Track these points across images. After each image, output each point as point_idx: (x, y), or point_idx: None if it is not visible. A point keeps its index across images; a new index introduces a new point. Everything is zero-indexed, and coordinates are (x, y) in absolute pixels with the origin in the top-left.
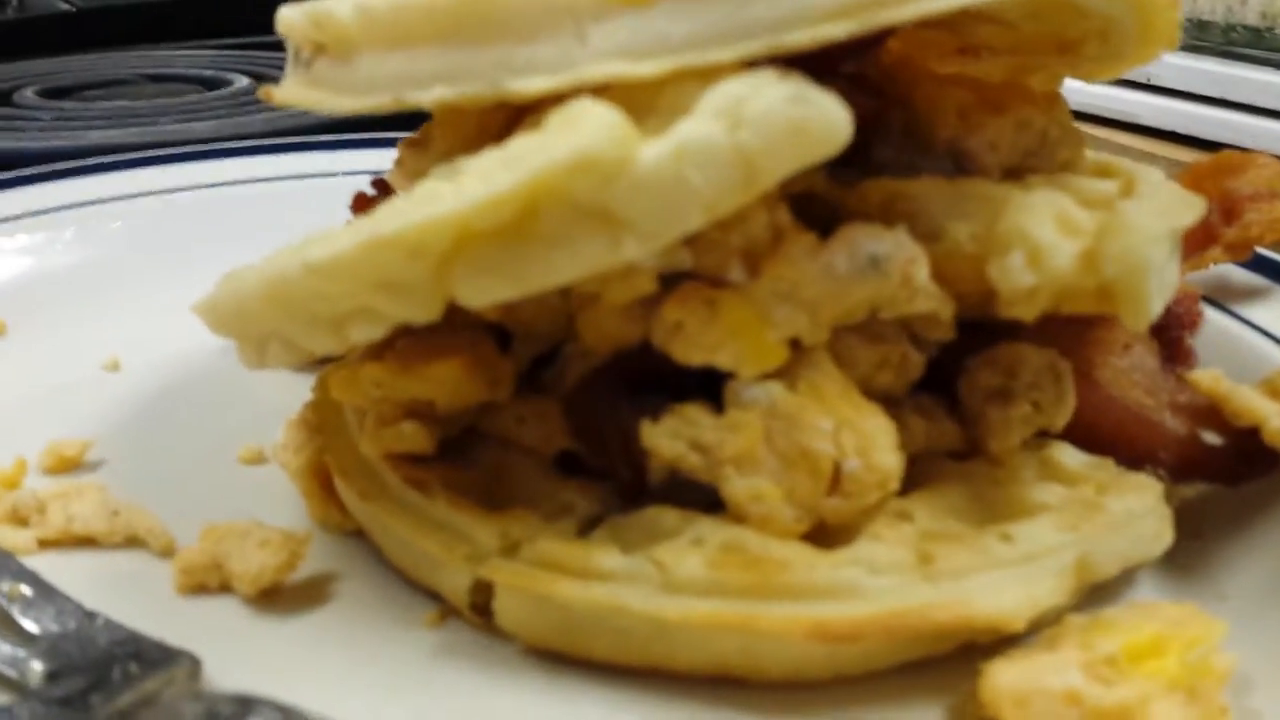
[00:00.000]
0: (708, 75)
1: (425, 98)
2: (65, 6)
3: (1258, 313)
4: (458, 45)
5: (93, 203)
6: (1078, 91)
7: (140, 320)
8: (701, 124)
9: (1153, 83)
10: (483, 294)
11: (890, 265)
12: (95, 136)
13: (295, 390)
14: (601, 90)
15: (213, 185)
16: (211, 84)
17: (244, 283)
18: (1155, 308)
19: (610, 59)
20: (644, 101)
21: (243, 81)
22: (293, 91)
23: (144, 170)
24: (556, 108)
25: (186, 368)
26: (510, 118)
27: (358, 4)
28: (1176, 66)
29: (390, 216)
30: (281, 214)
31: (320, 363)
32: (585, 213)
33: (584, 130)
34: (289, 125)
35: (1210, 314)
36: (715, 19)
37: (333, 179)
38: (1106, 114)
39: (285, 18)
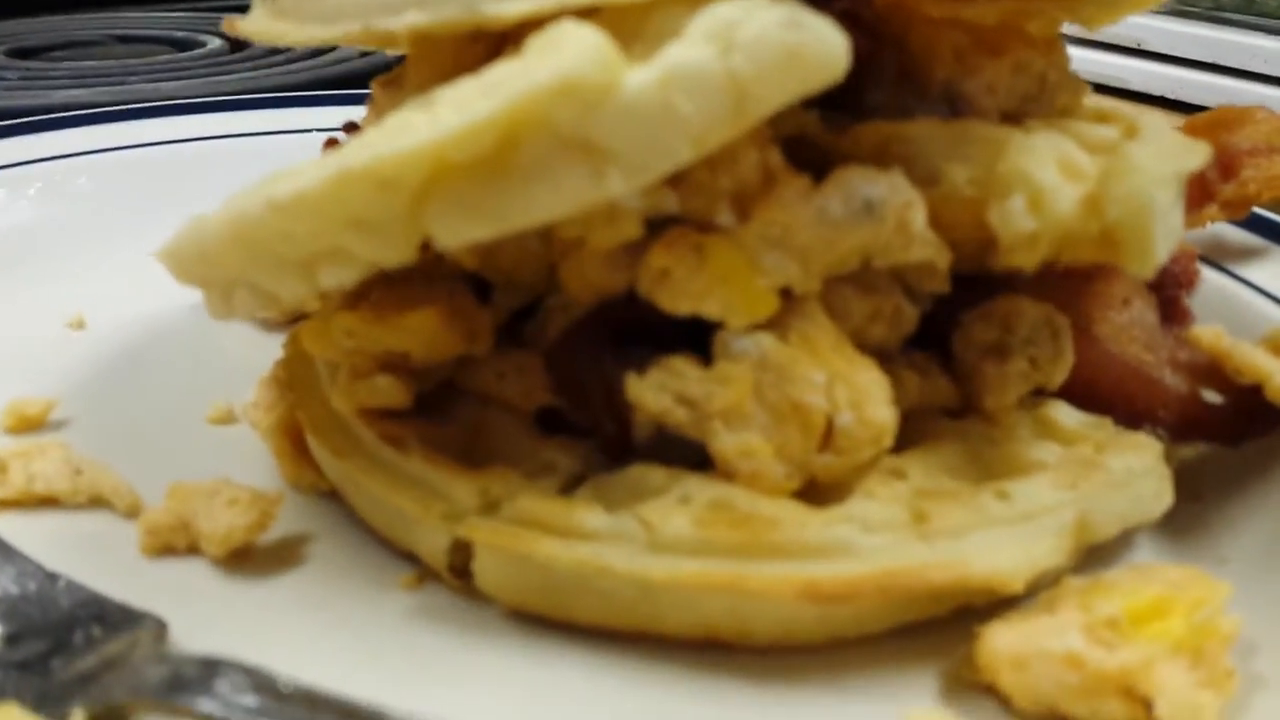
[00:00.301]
0: None
1: (396, 23)
2: None
3: (1255, 271)
4: None
5: (58, 158)
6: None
7: (106, 278)
8: (691, 49)
9: (1141, 48)
10: (459, 232)
11: (885, 209)
12: (60, 96)
13: (267, 349)
14: (586, 14)
15: (183, 140)
16: (183, 45)
17: (207, 225)
18: (1161, 253)
19: None
20: (631, 25)
21: (215, 43)
22: (259, 23)
23: (111, 125)
24: (538, 32)
25: (154, 326)
26: (489, 51)
27: None
28: (1165, 31)
29: (360, 149)
30: (254, 170)
31: (293, 320)
32: (567, 143)
33: (566, 54)
34: (263, 85)
35: (1207, 273)
36: None
37: (308, 135)
38: (1095, 79)
39: None
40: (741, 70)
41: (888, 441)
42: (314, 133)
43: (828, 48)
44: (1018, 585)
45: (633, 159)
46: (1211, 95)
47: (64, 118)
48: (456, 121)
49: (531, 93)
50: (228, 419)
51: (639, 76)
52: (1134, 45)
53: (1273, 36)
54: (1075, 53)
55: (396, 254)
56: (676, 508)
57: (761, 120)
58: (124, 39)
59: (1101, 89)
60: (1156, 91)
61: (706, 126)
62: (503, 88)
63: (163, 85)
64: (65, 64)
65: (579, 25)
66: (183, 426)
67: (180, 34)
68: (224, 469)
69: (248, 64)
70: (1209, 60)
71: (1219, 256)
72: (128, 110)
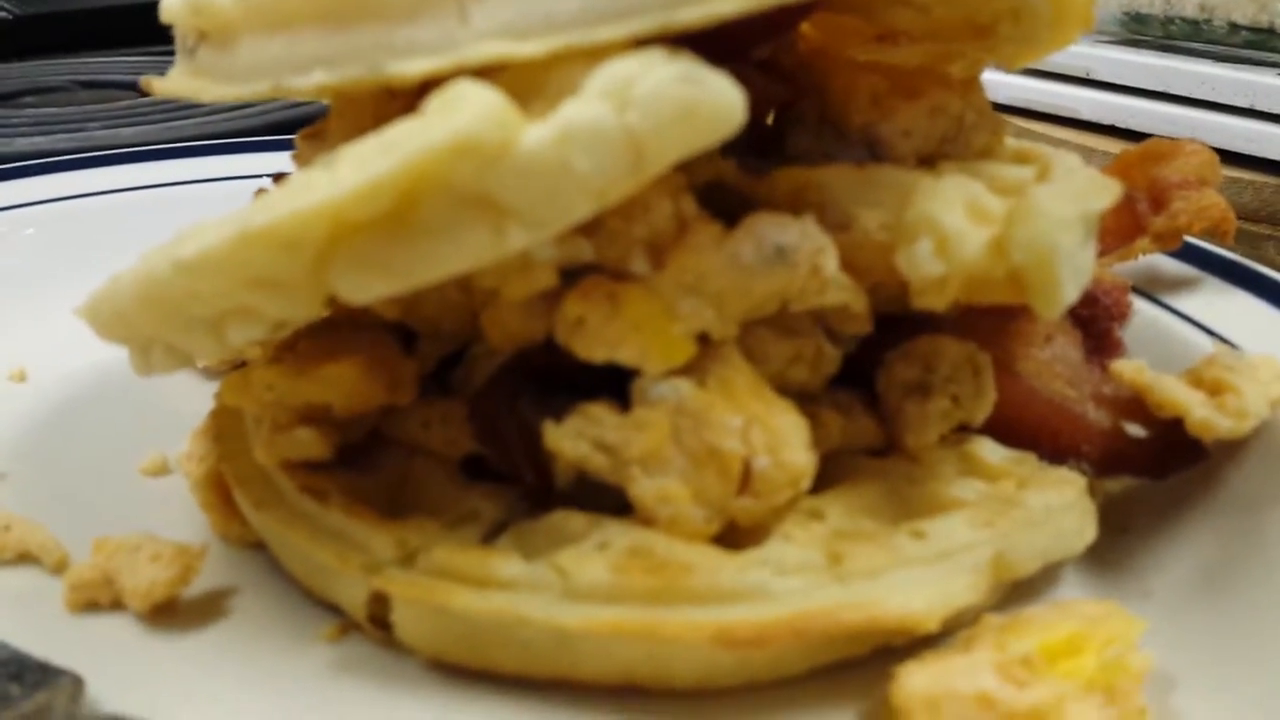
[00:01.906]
0: (595, 55)
1: (304, 83)
2: (2, 14)
3: (1187, 302)
4: (338, 27)
5: (4, 209)
6: (1017, 86)
7: (49, 330)
8: (587, 105)
9: (1091, 77)
10: (363, 289)
11: (797, 256)
12: (22, 144)
13: (206, 397)
14: (486, 72)
15: (131, 189)
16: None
17: (120, 285)
18: (1068, 294)
19: (493, 39)
20: (530, 83)
21: None
22: (175, 81)
23: (57, 175)
24: (436, 91)
25: (96, 376)
26: (407, 106)
27: None
28: (1115, 60)
29: (261, 208)
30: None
31: (234, 369)
32: (467, 200)
33: (463, 113)
34: (221, 130)
35: (1140, 305)
36: None
37: (254, 181)
38: (1045, 109)
39: (167, 5)
40: (637, 126)
41: (805, 484)
42: (261, 178)
43: (723, 102)
44: (932, 624)
45: (532, 215)
46: (1164, 124)
47: (12, 169)
48: (355, 180)
49: (428, 151)
50: (161, 470)
51: (535, 134)
52: (1083, 74)
53: (1222, 64)
54: (1025, 82)
55: (303, 311)
56: (593, 554)
57: (661, 173)
58: (87, 84)
59: (1051, 119)
60: (1108, 120)
61: (605, 182)
62: (400, 146)
63: (122, 131)
64: (28, 110)
65: (476, 84)
66: (117, 478)
67: (142, 78)
68: (155, 521)
69: (205, 109)
70: (1160, 89)
71: (1153, 288)
72: (71, 161)
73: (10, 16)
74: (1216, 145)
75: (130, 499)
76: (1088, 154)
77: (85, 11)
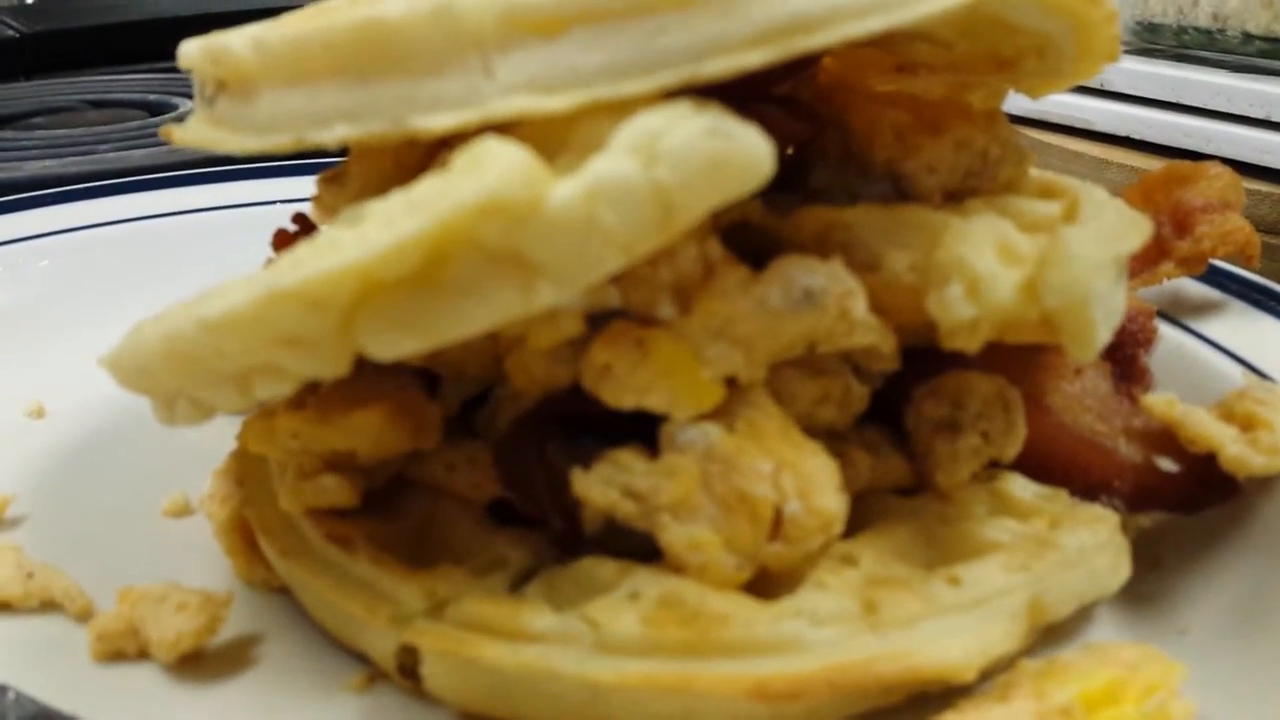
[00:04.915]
0: (622, 109)
1: (327, 137)
2: (10, 33)
3: (1213, 327)
4: (359, 81)
5: (18, 240)
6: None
7: (67, 363)
8: (615, 161)
9: (1105, 88)
10: (391, 347)
11: (826, 299)
12: (32, 167)
13: (229, 434)
14: (510, 126)
15: (143, 218)
16: (155, 109)
17: (144, 339)
18: (1102, 337)
19: (519, 93)
20: (555, 137)
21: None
22: (195, 131)
23: (72, 205)
24: (463, 147)
25: (114, 412)
26: (428, 152)
27: (255, 37)
28: (1129, 71)
29: (289, 268)
30: (214, 246)
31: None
32: (496, 258)
33: (490, 171)
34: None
35: (1165, 330)
36: (628, 48)
37: (269, 207)
38: (1060, 120)
39: (185, 52)
40: (666, 181)
41: (837, 529)
42: (276, 205)
43: (752, 155)
44: (969, 674)
45: (562, 271)
46: (1178, 135)
47: (23, 199)
48: (383, 240)
49: (457, 211)
50: (184, 510)
51: (563, 191)
52: (1097, 85)
53: (1236, 74)
54: None
55: (331, 369)
56: (625, 605)
57: (690, 226)
58: (97, 104)
59: (1066, 130)
60: (1122, 132)
61: (633, 237)
62: (428, 206)
63: (133, 153)
64: (38, 133)
65: (502, 142)
66: (139, 519)
67: (153, 97)
68: (178, 564)
69: None
70: (1174, 99)
71: (1178, 312)
72: (86, 190)
73: (18, 35)
74: (1232, 157)
75: (153, 541)
76: (1103, 165)
77: (94, 28)
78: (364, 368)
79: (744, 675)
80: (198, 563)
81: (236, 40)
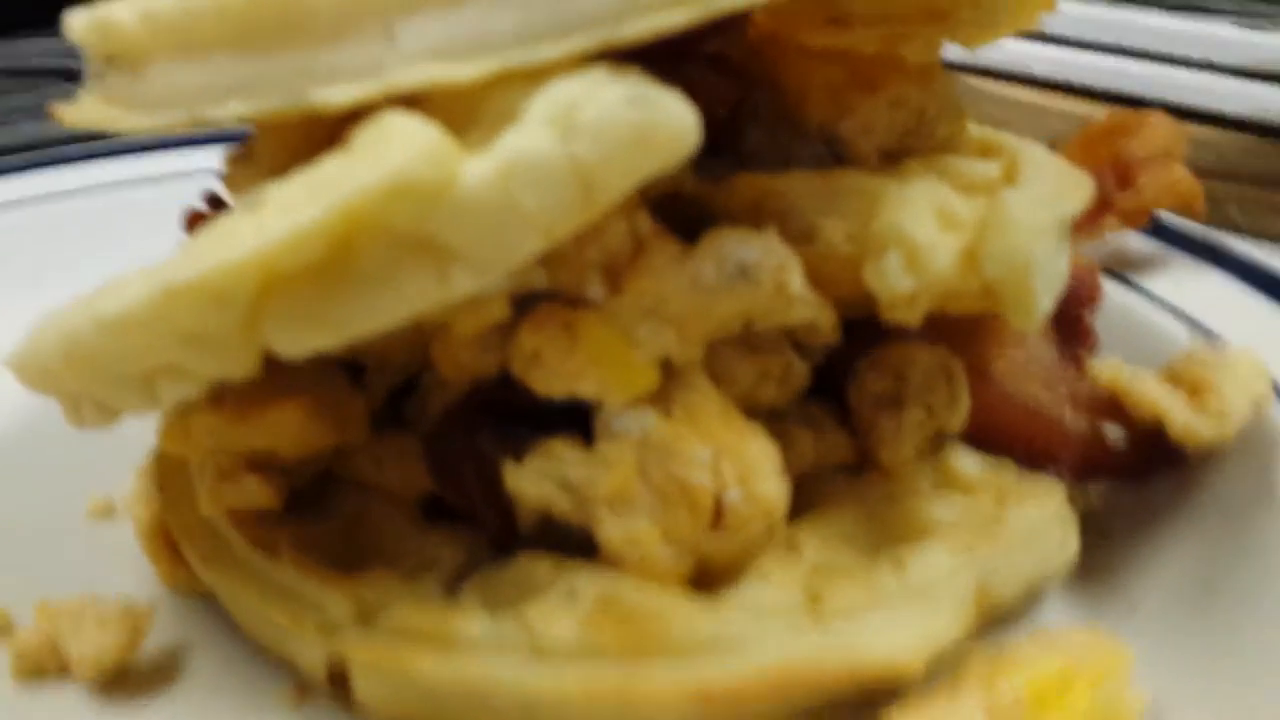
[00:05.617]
0: (536, 75)
1: (222, 114)
2: None
3: (1158, 282)
4: (255, 51)
5: None
6: None
7: None
8: (530, 135)
9: (1044, 32)
10: (300, 343)
11: (761, 273)
12: None
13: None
14: (418, 99)
15: (64, 192)
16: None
17: (44, 338)
18: (1044, 306)
19: (424, 61)
20: (465, 109)
21: None
22: (86, 110)
23: None
24: (364, 123)
25: (33, 405)
26: (338, 124)
27: (143, 8)
28: (1067, 15)
29: (186, 261)
30: (134, 223)
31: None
32: (406, 244)
33: (396, 150)
34: None
35: (1110, 288)
36: (542, 10)
37: (189, 179)
38: (997, 67)
39: (71, 25)
40: (585, 157)
41: (779, 516)
42: (195, 176)
43: (676, 125)
44: (916, 668)
45: (477, 256)
46: (1119, 80)
47: None
48: (282, 228)
49: (360, 194)
50: (108, 512)
51: (476, 169)
52: (1035, 30)
53: (1177, 16)
54: None
55: (236, 368)
56: (562, 607)
57: (613, 203)
58: (13, 72)
59: (1004, 76)
60: (1062, 78)
61: (553, 218)
62: (330, 189)
63: (53, 125)
64: None
65: (407, 118)
66: (62, 521)
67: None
68: (102, 570)
69: None
70: (1114, 43)
71: (1122, 268)
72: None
73: None
74: (1174, 101)
75: (73, 545)
76: (1042, 113)
77: None
78: (282, 361)
79: (685, 681)
80: (123, 568)
81: (123, 11)
